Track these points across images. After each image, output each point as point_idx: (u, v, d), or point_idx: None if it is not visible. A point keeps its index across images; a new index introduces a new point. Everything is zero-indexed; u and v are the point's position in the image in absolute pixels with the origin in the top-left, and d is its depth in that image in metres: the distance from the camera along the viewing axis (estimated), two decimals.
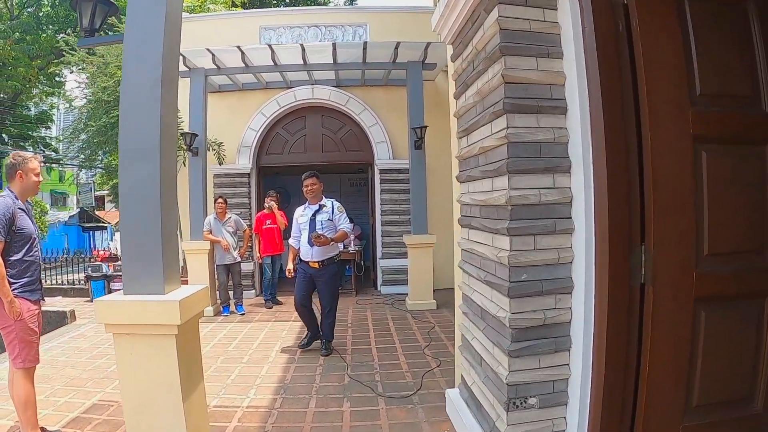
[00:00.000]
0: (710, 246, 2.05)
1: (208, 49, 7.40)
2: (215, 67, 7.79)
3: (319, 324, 5.08)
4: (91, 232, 28.65)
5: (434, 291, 7.40)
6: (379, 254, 8.90)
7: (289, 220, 6.68)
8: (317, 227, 4.84)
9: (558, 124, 2.16)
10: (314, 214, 4.91)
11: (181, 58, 7.78)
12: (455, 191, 3.69)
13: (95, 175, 27.00)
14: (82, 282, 10.01)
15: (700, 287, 2.05)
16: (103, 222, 27.86)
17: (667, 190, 1.99)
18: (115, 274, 9.19)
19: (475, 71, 2.51)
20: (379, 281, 8.82)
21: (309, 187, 4.94)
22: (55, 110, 24.80)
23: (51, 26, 19.74)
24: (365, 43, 7.43)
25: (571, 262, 2.18)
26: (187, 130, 7.59)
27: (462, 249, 2.99)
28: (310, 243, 4.77)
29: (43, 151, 21.28)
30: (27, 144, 20.39)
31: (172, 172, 2.52)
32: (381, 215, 8.85)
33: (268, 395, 3.89)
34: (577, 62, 2.03)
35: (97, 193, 30.56)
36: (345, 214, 5.04)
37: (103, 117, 15.36)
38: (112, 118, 15.13)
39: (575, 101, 2.08)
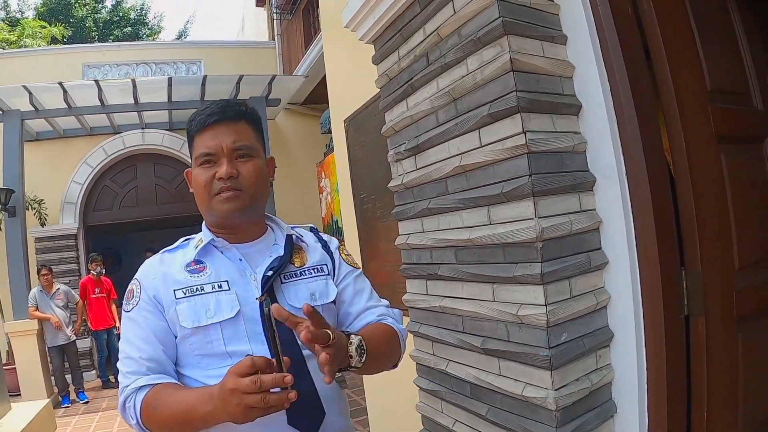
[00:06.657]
0: (740, 258, 1.78)
1: (24, 87, 5.84)
2: (33, 108, 6.25)
3: None
4: None
5: None
6: None
7: (119, 292, 5.48)
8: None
9: (572, 128, 1.68)
10: (272, 274, 1.18)
11: None
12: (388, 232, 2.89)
13: None
14: None
15: (740, 307, 1.76)
16: None
17: (706, 200, 1.67)
18: None
19: (434, 65, 1.87)
20: None
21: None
22: None
23: None
24: (205, 77, 6.55)
25: (606, 306, 1.69)
26: (0, 185, 6.01)
27: (414, 308, 2.18)
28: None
29: None
30: None
31: None
32: None
33: None
34: (593, 48, 1.60)
35: None
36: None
37: None
38: None
39: (592, 98, 1.63)
